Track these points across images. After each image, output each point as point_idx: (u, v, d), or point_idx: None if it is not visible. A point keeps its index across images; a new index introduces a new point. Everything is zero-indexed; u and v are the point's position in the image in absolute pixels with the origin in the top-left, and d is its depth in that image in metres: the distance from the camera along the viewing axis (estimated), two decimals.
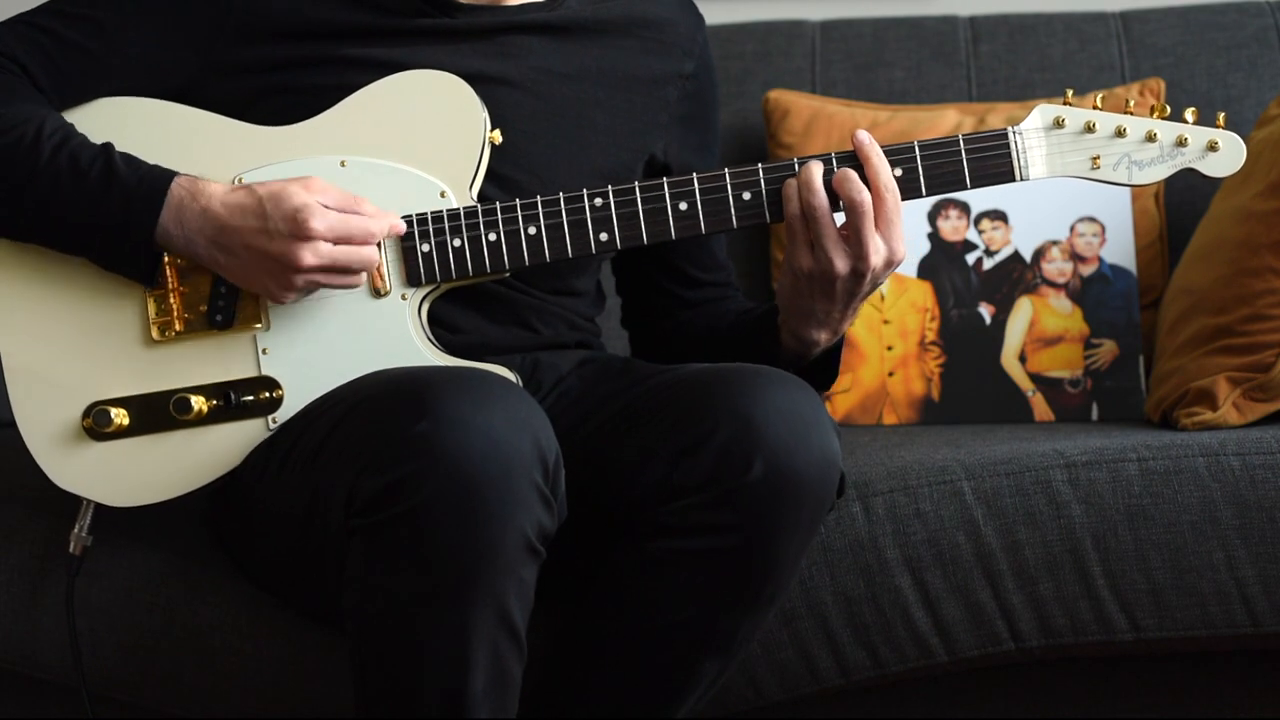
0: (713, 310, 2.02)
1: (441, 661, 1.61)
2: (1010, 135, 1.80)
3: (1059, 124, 1.81)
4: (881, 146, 1.78)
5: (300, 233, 1.71)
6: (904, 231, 1.78)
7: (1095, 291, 2.37)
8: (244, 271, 1.75)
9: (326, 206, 1.73)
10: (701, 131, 2.01)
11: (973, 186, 1.80)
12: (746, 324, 1.95)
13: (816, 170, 1.77)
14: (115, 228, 1.74)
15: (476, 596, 1.59)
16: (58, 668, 1.92)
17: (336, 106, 1.80)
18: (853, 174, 1.76)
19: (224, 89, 1.82)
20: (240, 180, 1.79)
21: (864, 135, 1.78)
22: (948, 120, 2.47)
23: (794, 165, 1.79)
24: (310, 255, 1.72)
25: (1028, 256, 2.39)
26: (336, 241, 1.73)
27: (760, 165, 1.79)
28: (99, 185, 1.74)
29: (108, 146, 1.77)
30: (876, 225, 1.76)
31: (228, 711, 1.92)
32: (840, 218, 1.77)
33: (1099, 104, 1.82)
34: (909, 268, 2.40)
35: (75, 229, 1.76)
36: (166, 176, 1.75)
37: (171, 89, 1.82)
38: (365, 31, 1.83)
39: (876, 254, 1.76)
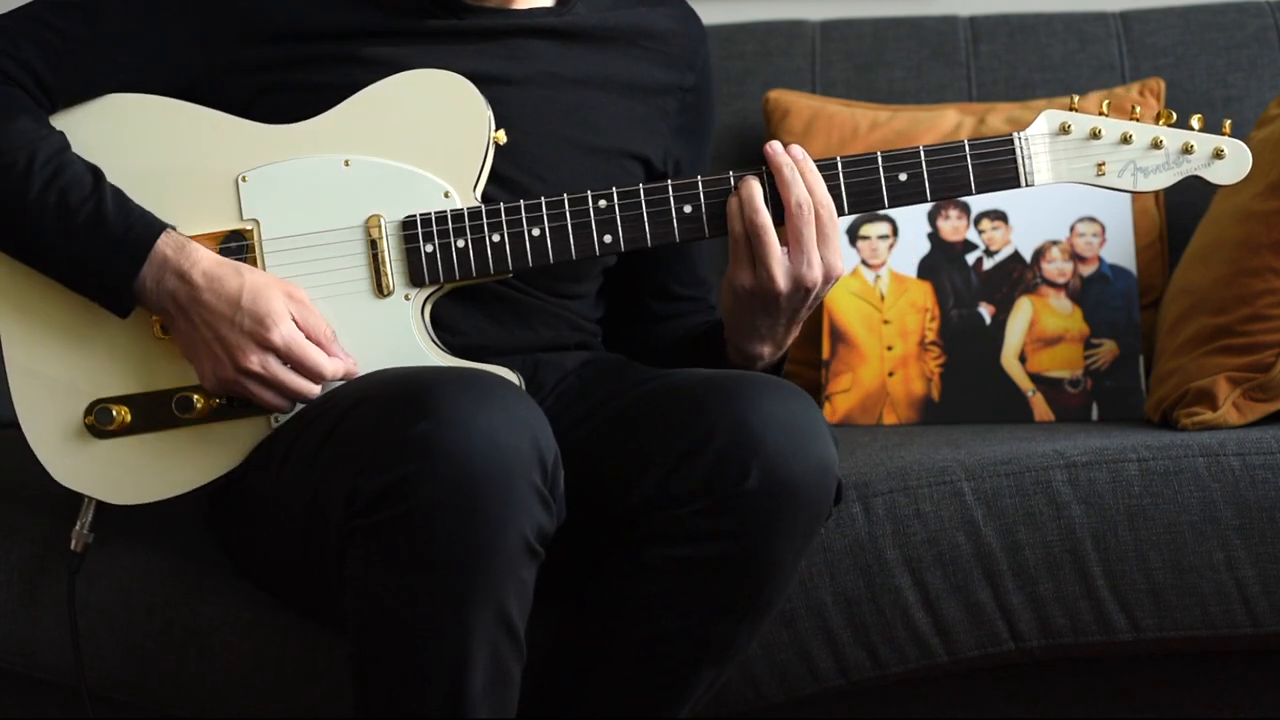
0: (676, 325, 2.03)
1: (441, 662, 1.61)
2: (1016, 141, 1.81)
3: (1065, 130, 1.81)
4: (888, 151, 1.79)
5: (258, 335, 1.72)
6: (840, 246, 1.79)
7: (1095, 291, 2.37)
8: (191, 341, 1.75)
9: (298, 325, 1.73)
10: (696, 145, 2.01)
11: (978, 192, 1.80)
12: (694, 338, 1.96)
13: (758, 188, 1.77)
14: (95, 274, 1.75)
15: (476, 597, 1.59)
16: (58, 668, 1.91)
17: (342, 105, 1.80)
18: (797, 181, 1.77)
19: (230, 86, 1.82)
20: (244, 179, 1.79)
21: (798, 150, 1.78)
22: (948, 120, 2.47)
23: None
24: (255, 359, 1.72)
25: (1028, 256, 2.39)
26: (286, 361, 1.73)
27: (764, 168, 1.79)
28: (85, 229, 1.74)
29: (99, 182, 1.76)
30: (817, 239, 1.77)
31: (228, 711, 1.92)
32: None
33: (1105, 109, 1.82)
34: (909, 268, 2.40)
35: (57, 265, 1.76)
36: (153, 231, 1.75)
37: (177, 85, 1.82)
38: (372, 31, 1.83)
39: (814, 269, 1.77)
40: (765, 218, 1.77)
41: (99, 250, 1.74)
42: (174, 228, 1.76)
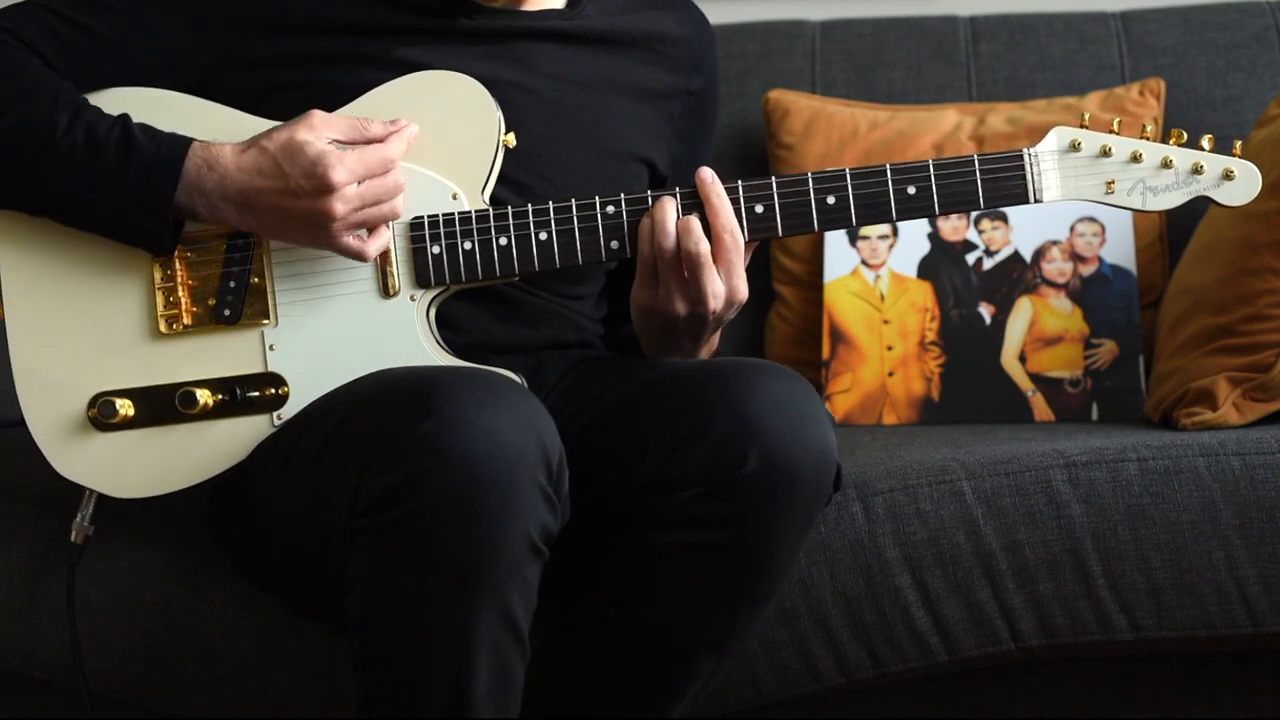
0: None
1: (444, 662, 1.61)
2: (1026, 157, 1.80)
3: (1075, 147, 1.81)
4: (897, 164, 1.79)
5: (323, 186, 1.70)
6: (744, 271, 1.78)
7: (1095, 291, 2.37)
8: (279, 230, 1.75)
9: (339, 142, 1.72)
10: (696, 147, 2.01)
11: (986, 207, 1.80)
12: (629, 339, 1.96)
13: (670, 212, 1.77)
14: (134, 197, 1.74)
15: (480, 597, 1.59)
16: (58, 667, 1.91)
17: (351, 104, 1.80)
18: (695, 224, 1.75)
19: (239, 82, 1.82)
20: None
21: (706, 173, 1.78)
22: (948, 120, 2.47)
23: (807, 178, 1.79)
24: (340, 205, 1.71)
25: (1028, 256, 2.39)
26: (361, 181, 1.72)
27: (773, 178, 1.79)
28: (116, 154, 1.73)
29: (124, 116, 1.76)
30: (716, 267, 1.76)
31: (228, 711, 1.91)
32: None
33: (1116, 128, 1.81)
34: (909, 267, 2.40)
35: (92, 201, 1.75)
36: (183, 144, 1.74)
37: (186, 80, 1.82)
38: (383, 29, 1.83)
39: (715, 298, 1.76)
40: (672, 241, 1.76)
41: (135, 173, 1.73)
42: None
